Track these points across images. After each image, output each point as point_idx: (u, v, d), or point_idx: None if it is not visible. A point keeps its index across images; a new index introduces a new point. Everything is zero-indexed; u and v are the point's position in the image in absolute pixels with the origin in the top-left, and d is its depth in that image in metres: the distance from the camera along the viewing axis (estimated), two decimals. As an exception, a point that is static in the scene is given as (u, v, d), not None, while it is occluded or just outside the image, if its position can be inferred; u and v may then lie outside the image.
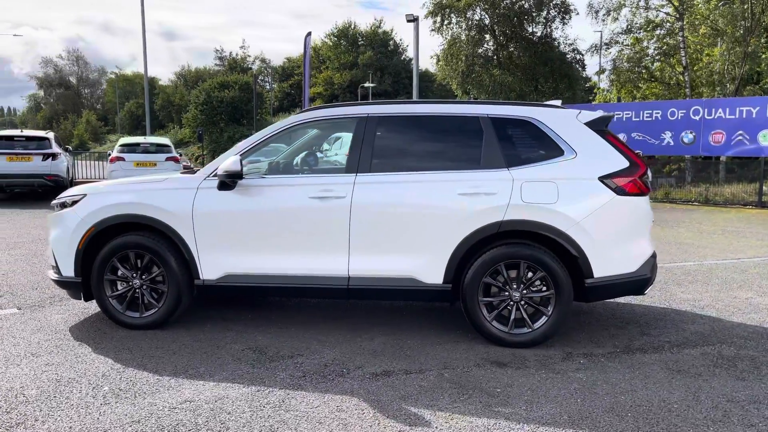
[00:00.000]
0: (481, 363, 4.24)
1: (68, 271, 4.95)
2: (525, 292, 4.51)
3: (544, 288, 4.48)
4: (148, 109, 27.36)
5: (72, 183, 15.76)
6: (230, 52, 70.00)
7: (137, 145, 17.46)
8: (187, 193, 4.78)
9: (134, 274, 4.88)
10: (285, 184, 4.79)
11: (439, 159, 4.79)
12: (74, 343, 4.57)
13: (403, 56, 61.87)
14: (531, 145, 4.64)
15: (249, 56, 72.92)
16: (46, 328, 4.93)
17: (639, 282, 4.55)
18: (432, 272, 4.54)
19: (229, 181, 4.69)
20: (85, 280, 4.93)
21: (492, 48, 25.83)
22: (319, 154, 6.55)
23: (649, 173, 4.88)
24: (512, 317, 4.54)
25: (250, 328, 4.96)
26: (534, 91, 25.86)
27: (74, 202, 5.01)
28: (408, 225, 4.57)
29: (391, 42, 63.00)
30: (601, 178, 4.46)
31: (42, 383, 3.83)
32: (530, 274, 4.48)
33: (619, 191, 4.46)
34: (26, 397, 3.64)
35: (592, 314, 5.44)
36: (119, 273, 4.88)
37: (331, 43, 61.59)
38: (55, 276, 5.07)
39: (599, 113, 4.75)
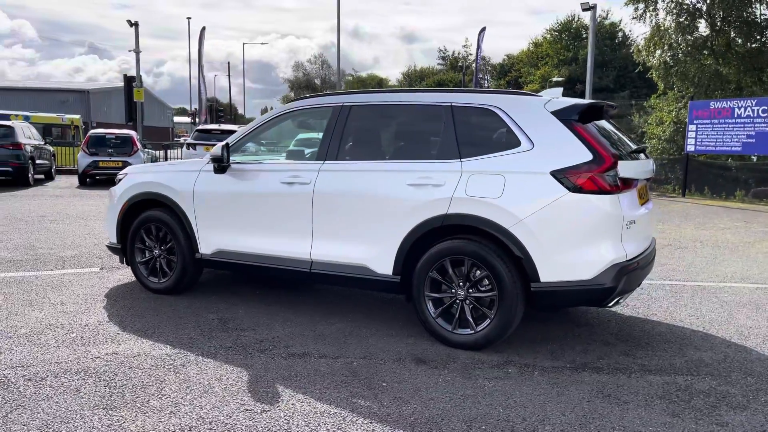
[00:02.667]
0: (403, 358, 4.13)
1: (113, 238, 5.85)
2: (471, 291, 4.26)
3: (489, 289, 4.18)
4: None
5: None
6: (452, 51, 71.46)
7: (208, 132, 18.52)
8: (192, 175, 5.34)
9: (155, 245, 5.59)
10: (265, 170, 5.09)
11: (400, 148, 4.72)
12: (101, 299, 5.41)
13: (632, 48, 57.57)
14: (489, 136, 4.34)
15: (471, 54, 73.81)
16: (99, 285, 5.88)
17: (595, 292, 4.00)
18: (383, 263, 4.50)
19: (216, 165, 5.14)
20: (123, 246, 5.78)
21: (705, 35, 22.83)
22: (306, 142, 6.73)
23: (638, 168, 4.26)
24: (457, 316, 4.32)
25: (242, 302, 5.37)
26: (756, 82, 22.37)
27: (119, 180, 5.89)
28: (362, 213, 4.58)
29: (619, 33, 59.04)
30: (554, 173, 4.02)
31: (46, 326, 4.66)
32: (478, 273, 4.22)
33: (574, 188, 3.98)
34: (18, 333, 4.48)
35: (593, 325, 4.87)
36: (146, 243, 5.63)
37: (551, 38, 59.65)
38: (106, 242, 6.02)
39: (571, 101, 4.26)
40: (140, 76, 24.15)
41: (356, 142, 4.83)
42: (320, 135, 5.16)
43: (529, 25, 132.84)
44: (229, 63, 71.84)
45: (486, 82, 72.50)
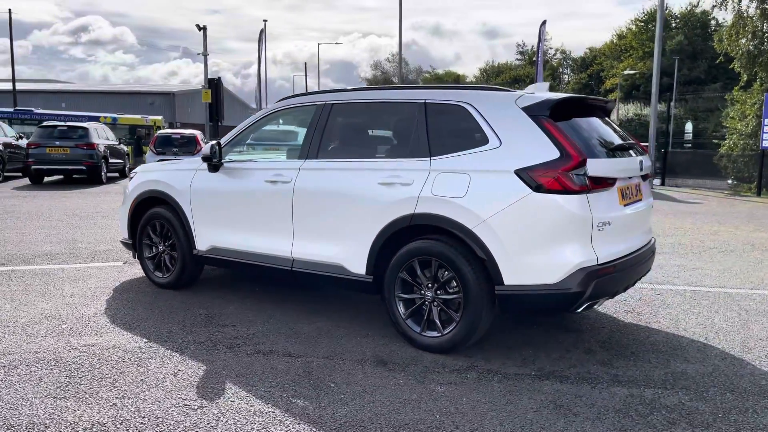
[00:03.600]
0: (366, 359, 4.08)
1: (125, 233, 6.11)
2: (438, 292, 4.15)
3: (456, 291, 4.06)
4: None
5: None
6: (531, 46, 69.84)
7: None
8: (189, 174, 5.49)
9: (160, 241, 5.79)
10: (253, 168, 5.15)
11: (375, 147, 4.66)
12: (108, 292, 5.66)
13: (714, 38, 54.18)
14: (459, 133, 4.20)
15: (551, 48, 71.96)
16: (113, 279, 6.15)
17: (561, 297, 3.79)
18: (357, 262, 4.46)
19: (207, 164, 5.25)
20: (134, 242, 6.02)
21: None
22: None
23: (617, 166, 4.01)
24: (425, 318, 4.21)
25: (238, 298, 5.47)
26: None
27: (131, 178, 6.14)
28: (337, 212, 4.56)
29: (712, 22, 55.74)
30: (518, 172, 3.84)
31: (45, 316, 4.93)
32: (445, 274, 4.10)
33: (537, 187, 3.78)
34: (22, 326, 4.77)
35: (583, 331, 4.62)
36: (152, 239, 5.85)
37: (636, 29, 57.11)
38: (120, 237, 6.30)
39: (544, 96, 4.05)
40: (207, 77, 25.07)
41: (334, 141, 4.81)
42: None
43: (615, 17, 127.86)
44: (306, 63, 73.42)
45: (566, 76, 70.58)
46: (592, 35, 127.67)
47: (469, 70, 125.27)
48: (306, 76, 57.15)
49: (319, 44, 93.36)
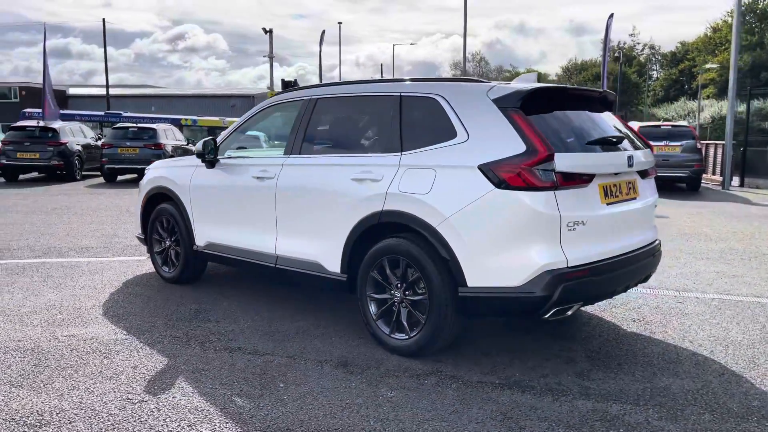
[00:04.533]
0: (329, 360, 3.96)
1: (140, 229, 6.27)
2: (407, 293, 3.97)
3: (423, 292, 3.86)
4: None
5: None
6: (618, 42, 67.10)
7: None
8: (190, 170, 5.55)
9: (167, 236, 5.89)
10: (244, 164, 5.13)
11: (353, 142, 4.52)
12: (116, 285, 5.82)
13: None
14: (430, 127, 3.99)
15: (638, 44, 68.96)
16: (128, 272, 6.33)
17: (525, 301, 3.51)
18: (332, 260, 4.34)
19: (202, 160, 5.28)
20: (146, 237, 6.17)
21: None
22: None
23: (596, 161, 3.70)
24: (394, 319, 4.04)
25: (235, 294, 5.47)
26: None
27: (144, 175, 6.29)
28: (314, 209, 4.46)
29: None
30: (481, 167, 3.60)
31: (46, 307, 5.13)
32: (414, 274, 3.91)
33: (500, 183, 3.53)
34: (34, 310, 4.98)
35: (576, 340, 4.30)
36: (161, 234, 5.96)
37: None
38: (136, 233, 6.47)
39: (516, 87, 3.77)
40: (273, 79, 25.66)
41: (316, 136, 4.71)
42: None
43: (712, 10, 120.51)
44: (381, 65, 73.71)
45: (655, 72, 67.41)
46: (686, 29, 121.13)
47: (553, 68, 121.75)
48: (382, 75, 57.44)
49: (394, 45, 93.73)
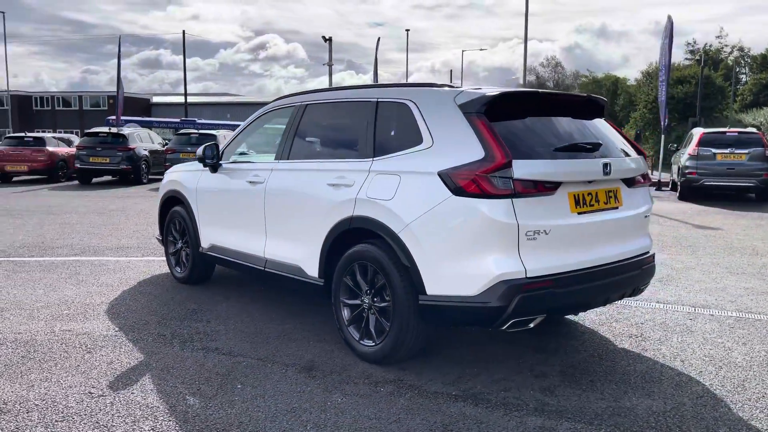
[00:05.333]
0: (296, 364, 3.97)
1: (157, 231, 6.51)
2: (375, 299, 3.94)
3: (388, 298, 3.82)
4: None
5: None
6: (705, 44, 64.02)
7: None
8: (197, 174, 5.72)
9: (179, 238, 6.09)
10: (241, 169, 5.23)
11: (334, 147, 4.54)
12: (131, 283, 6.07)
13: None
14: (400, 132, 3.95)
15: (726, 46, 65.55)
16: (148, 272, 6.59)
17: (481, 311, 3.41)
18: (312, 265, 4.37)
19: (203, 165, 5.43)
20: (163, 238, 6.40)
21: None
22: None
23: (566, 169, 3.55)
24: (363, 325, 4.02)
25: (237, 296, 5.60)
26: None
27: (162, 180, 6.53)
28: (295, 213, 4.50)
29: None
30: (441, 173, 3.53)
31: (59, 302, 5.42)
32: (381, 281, 3.88)
33: (457, 190, 3.44)
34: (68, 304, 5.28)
35: (556, 353, 4.12)
36: (174, 236, 6.17)
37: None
38: (155, 234, 6.72)
39: (482, 92, 3.67)
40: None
41: (302, 141, 4.76)
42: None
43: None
44: (451, 71, 73.25)
45: (744, 76, 63.84)
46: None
47: (634, 73, 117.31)
48: (451, 80, 57.12)
49: (463, 51, 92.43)
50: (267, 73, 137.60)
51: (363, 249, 3.94)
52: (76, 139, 22.27)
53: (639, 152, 4.23)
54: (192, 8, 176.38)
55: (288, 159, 4.72)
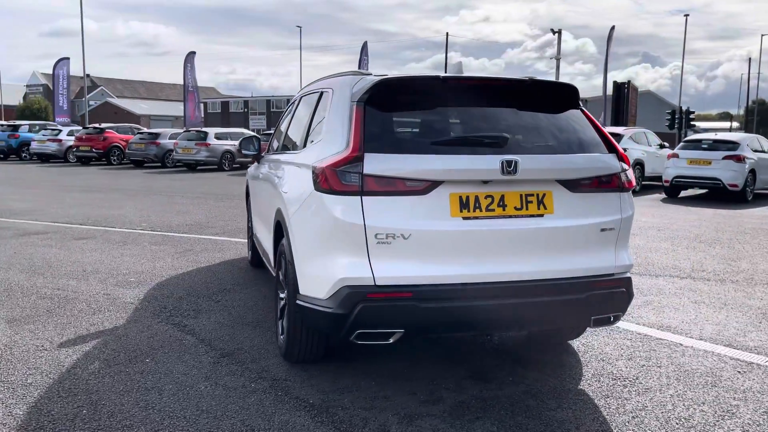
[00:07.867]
0: (225, 349, 4.01)
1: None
2: (282, 295, 3.90)
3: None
4: None
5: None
6: None
7: (698, 141, 15.97)
8: (254, 165, 5.99)
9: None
10: (268, 160, 5.17)
11: (295, 140, 4.52)
12: (201, 261, 6.59)
13: None
14: (319, 123, 3.80)
15: None
16: (225, 252, 7.10)
17: (328, 316, 3.11)
18: (271, 256, 4.46)
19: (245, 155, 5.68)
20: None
21: None
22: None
23: (445, 165, 3.07)
24: (280, 320, 3.93)
25: (240, 291, 5.56)
26: None
27: None
28: (263, 209, 4.88)
29: None
30: (312, 166, 3.33)
31: (104, 267, 6.16)
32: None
33: (316, 185, 3.24)
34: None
35: (537, 368, 3.57)
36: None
37: None
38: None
39: (369, 80, 3.31)
40: (559, 80, 25.05)
41: (287, 134, 4.85)
42: None
43: None
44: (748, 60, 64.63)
45: None
46: None
47: None
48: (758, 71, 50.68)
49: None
50: (551, 71, 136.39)
51: (283, 242, 3.85)
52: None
53: (612, 149, 3.47)
54: (482, 10, 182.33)
55: (281, 150, 4.77)
